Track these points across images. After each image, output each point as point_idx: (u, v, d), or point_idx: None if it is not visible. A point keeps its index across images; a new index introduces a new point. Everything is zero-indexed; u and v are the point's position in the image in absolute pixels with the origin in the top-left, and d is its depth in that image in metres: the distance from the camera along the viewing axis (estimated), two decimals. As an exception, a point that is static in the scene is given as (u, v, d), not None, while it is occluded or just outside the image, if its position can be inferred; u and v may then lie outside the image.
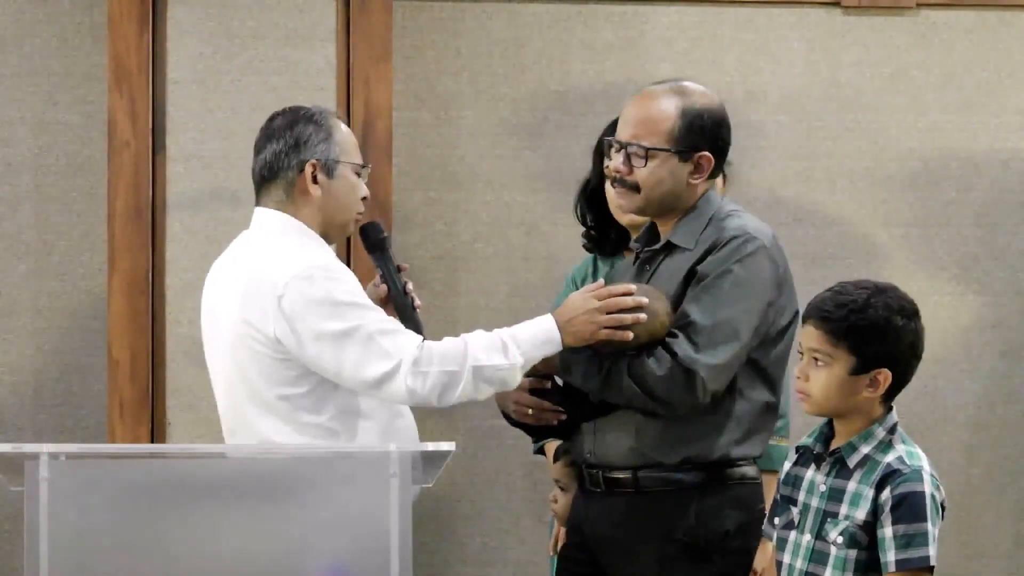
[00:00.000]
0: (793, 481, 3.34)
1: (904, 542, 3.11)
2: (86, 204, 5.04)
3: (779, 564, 3.33)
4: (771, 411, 3.68)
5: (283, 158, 3.66)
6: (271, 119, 3.73)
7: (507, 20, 5.20)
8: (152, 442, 4.85)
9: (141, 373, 4.88)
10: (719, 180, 4.33)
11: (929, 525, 3.12)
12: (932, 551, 3.12)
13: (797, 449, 3.38)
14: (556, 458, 4.03)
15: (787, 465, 3.39)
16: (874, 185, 5.29)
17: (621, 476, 3.66)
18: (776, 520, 3.36)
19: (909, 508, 3.13)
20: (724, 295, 3.58)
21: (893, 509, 3.13)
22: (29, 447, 2.98)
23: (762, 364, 3.63)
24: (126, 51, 4.89)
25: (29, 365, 5.05)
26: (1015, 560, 5.32)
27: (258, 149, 3.71)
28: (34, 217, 5.05)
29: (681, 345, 3.56)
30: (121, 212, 4.88)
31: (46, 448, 2.98)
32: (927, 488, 3.15)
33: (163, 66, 4.92)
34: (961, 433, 5.30)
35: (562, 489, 4.05)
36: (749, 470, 3.65)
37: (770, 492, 3.94)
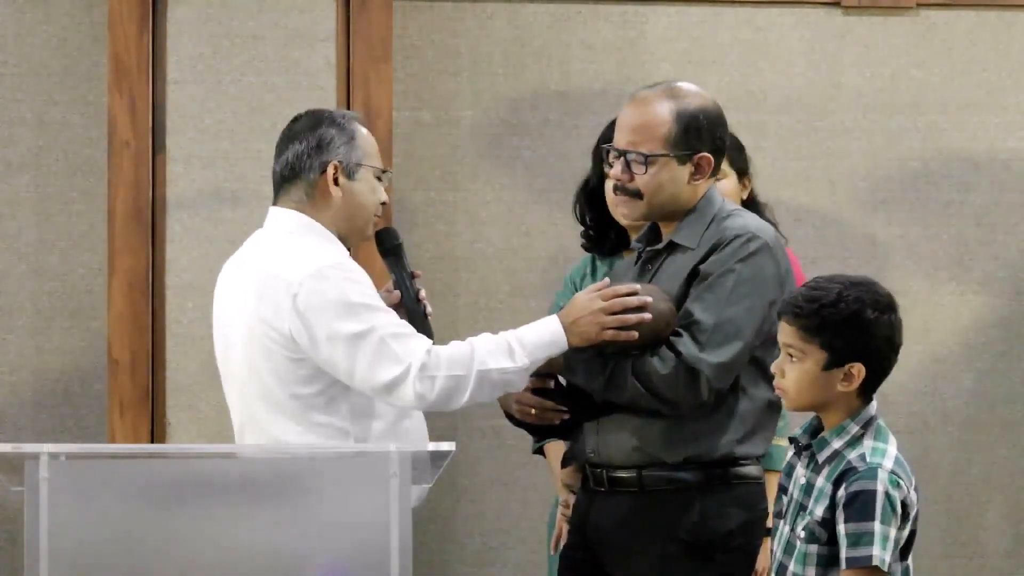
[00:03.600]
0: (788, 470, 3.36)
1: (853, 540, 3.12)
2: (86, 204, 5.04)
3: (771, 552, 3.35)
4: (774, 410, 3.69)
5: (305, 159, 3.65)
6: (294, 120, 3.73)
7: (507, 20, 5.20)
8: (152, 442, 4.85)
9: (141, 373, 4.88)
10: (737, 181, 4.33)
11: (877, 524, 3.11)
12: (877, 550, 3.10)
13: (790, 440, 3.40)
14: (565, 463, 4.02)
15: (787, 455, 3.41)
16: (874, 185, 5.29)
17: (624, 475, 3.66)
18: (772, 508, 3.38)
19: (859, 506, 3.12)
20: (727, 294, 3.58)
21: (845, 506, 3.14)
22: (29, 447, 2.98)
23: (765, 363, 3.62)
24: (126, 51, 4.89)
25: (29, 365, 5.05)
26: (1015, 560, 5.33)
27: (280, 150, 3.70)
28: (34, 217, 5.05)
29: (685, 344, 3.56)
30: (121, 212, 4.89)
31: (46, 448, 2.98)
32: (880, 487, 3.13)
33: (163, 66, 4.92)
34: (961, 433, 5.31)
35: (574, 494, 4.04)
36: (753, 469, 3.66)
37: (772, 491, 3.95)
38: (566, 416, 3.73)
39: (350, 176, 3.67)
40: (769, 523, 4.08)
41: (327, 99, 4.84)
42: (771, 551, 3.34)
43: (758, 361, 3.63)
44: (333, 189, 3.65)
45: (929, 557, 5.21)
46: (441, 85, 5.18)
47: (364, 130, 3.72)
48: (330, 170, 3.64)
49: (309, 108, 3.79)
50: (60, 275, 5.06)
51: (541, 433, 4.01)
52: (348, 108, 4.89)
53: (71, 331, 5.05)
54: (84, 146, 5.05)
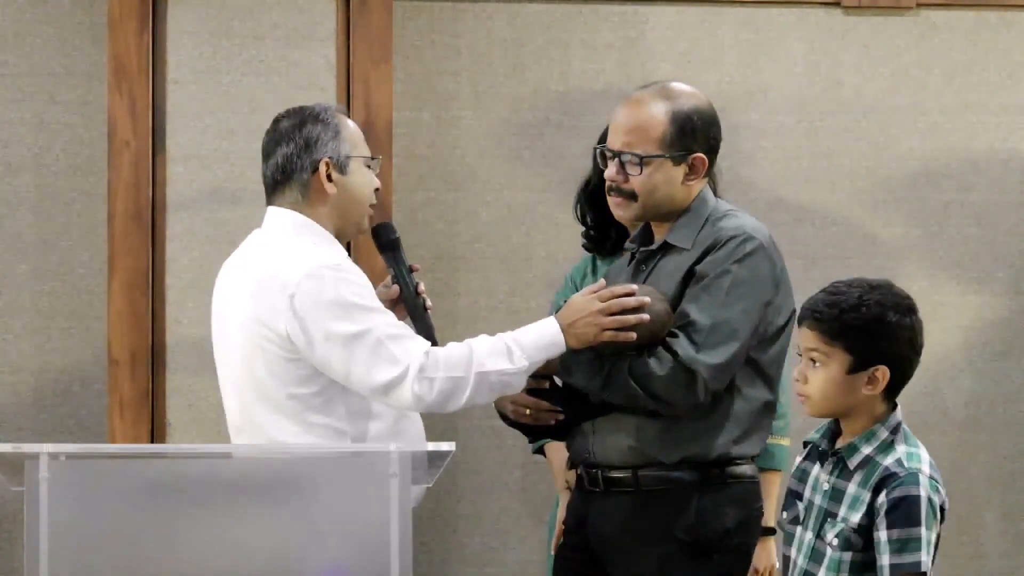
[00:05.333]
0: (800, 475, 3.34)
1: (898, 547, 3.10)
2: (86, 204, 5.05)
3: (786, 559, 3.33)
4: (769, 410, 3.69)
5: (295, 160, 3.64)
6: (276, 121, 3.71)
7: (507, 20, 5.20)
8: (152, 442, 4.85)
9: (141, 373, 4.88)
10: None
11: (923, 530, 3.10)
12: (925, 556, 3.09)
13: (805, 444, 3.38)
14: (571, 465, 4.02)
15: (797, 459, 3.40)
16: (874, 185, 5.29)
17: (621, 475, 3.66)
18: (784, 514, 3.37)
19: (904, 512, 3.11)
20: (723, 295, 3.58)
21: (888, 513, 3.12)
22: (29, 447, 2.98)
23: (760, 363, 3.63)
24: (126, 51, 4.89)
25: (29, 365, 5.05)
26: (1015, 560, 5.33)
27: (267, 153, 3.69)
28: (34, 217, 5.05)
29: (682, 345, 3.56)
30: (121, 212, 4.89)
31: (46, 448, 2.98)
32: (923, 492, 3.13)
33: (163, 66, 4.92)
34: (961, 433, 5.31)
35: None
36: (748, 469, 3.66)
37: (768, 490, 3.94)
38: (561, 417, 3.73)
39: (342, 170, 3.66)
40: (767, 522, 4.08)
41: (327, 99, 4.84)
42: (790, 560, 3.32)
43: (754, 361, 3.63)
44: (328, 186, 3.64)
45: (929, 557, 5.21)
46: (441, 85, 5.18)
47: (349, 121, 3.71)
48: (322, 168, 3.64)
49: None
50: (60, 275, 5.06)
51: (535, 434, 4.01)
52: (348, 108, 4.90)
53: (71, 331, 5.06)
54: (84, 146, 5.05)
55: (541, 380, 3.72)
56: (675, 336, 3.58)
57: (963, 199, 5.31)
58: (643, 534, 3.63)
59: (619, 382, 3.60)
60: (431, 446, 3.08)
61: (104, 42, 4.96)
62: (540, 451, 4.36)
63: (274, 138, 3.68)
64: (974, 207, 5.32)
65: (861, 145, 5.29)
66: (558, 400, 3.72)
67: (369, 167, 3.71)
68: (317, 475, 3.07)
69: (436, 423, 4.84)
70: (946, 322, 5.29)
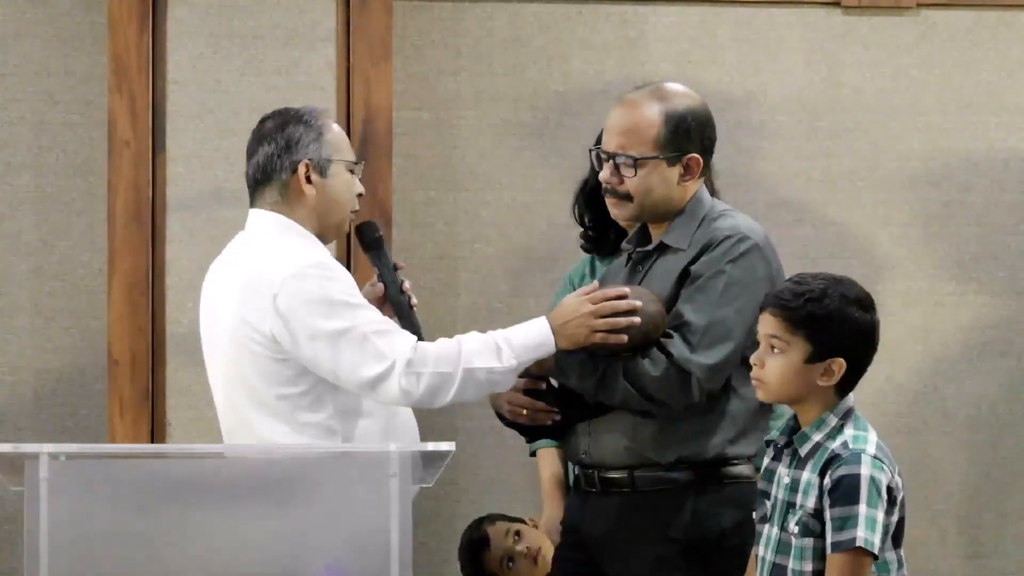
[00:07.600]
0: (768, 476, 3.37)
1: (838, 524, 3.15)
2: (86, 204, 5.04)
3: (756, 558, 3.36)
4: (766, 410, 3.69)
5: (275, 160, 3.66)
6: (261, 122, 3.73)
7: (507, 20, 5.20)
8: (152, 442, 4.85)
9: (141, 373, 4.88)
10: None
11: (863, 507, 3.14)
12: (863, 533, 3.13)
13: (767, 443, 3.42)
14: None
15: (765, 460, 3.43)
16: (874, 185, 5.29)
17: (617, 476, 3.66)
18: (754, 515, 3.40)
19: (844, 491, 3.16)
20: (718, 295, 3.59)
21: (831, 492, 3.18)
22: (29, 447, 2.99)
23: (756, 363, 3.64)
24: (126, 51, 4.89)
25: (29, 365, 5.05)
26: (1015, 560, 5.32)
27: (250, 153, 3.70)
28: (34, 217, 5.05)
29: (676, 345, 3.56)
30: (121, 212, 4.89)
31: (46, 448, 2.98)
32: (864, 471, 3.16)
33: (163, 66, 4.92)
34: (961, 433, 5.30)
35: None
36: (745, 469, 3.66)
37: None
38: (557, 417, 3.73)
39: (322, 173, 3.67)
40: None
41: (327, 99, 4.84)
42: (757, 557, 3.34)
43: (749, 362, 3.63)
44: (306, 188, 3.65)
45: (929, 557, 5.21)
46: (441, 85, 5.18)
47: (334, 125, 3.72)
48: (301, 169, 3.65)
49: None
50: (60, 275, 5.06)
51: (532, 434, 4.02)
52: (348, 108, 4.90)
53: (71, 331, 5.05)
54: (84, 146, 5.05)
55: (538, 380, 3.72)
56: (669, 337, 3.58)
57: (963, 199, 5.31)
58: (639, 535, 3.63)
59: (613, 383, 3.60)
60: (431, 446, 3.09)
61: (104, 42, 4.96)
62: (536, 453, 4.36)
63: (257, 138, 3.70)
64: (974, 207, 5.31)
65: (861, 145, 5.29)
66: (554, 400, 3.73)
67: (352, 172, 3.71)
68: (317, 475, 3.07)
69: (436, 423, 4.84)
70: (946, 322, 5.29)
